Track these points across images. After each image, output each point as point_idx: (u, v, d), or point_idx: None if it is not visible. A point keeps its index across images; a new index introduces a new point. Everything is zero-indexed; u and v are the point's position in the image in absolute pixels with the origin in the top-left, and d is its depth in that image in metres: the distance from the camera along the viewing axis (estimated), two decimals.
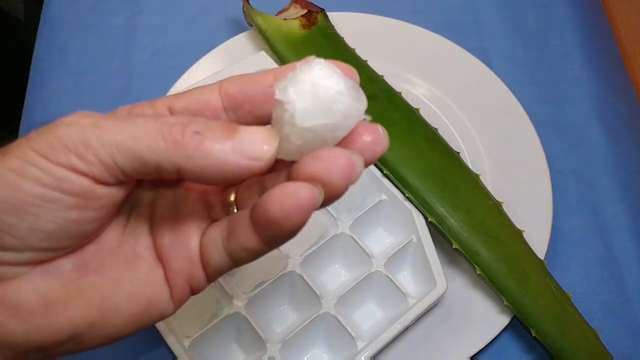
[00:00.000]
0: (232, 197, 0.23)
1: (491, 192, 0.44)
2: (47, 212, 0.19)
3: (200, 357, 0.37)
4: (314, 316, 0.38)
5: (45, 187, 0.19)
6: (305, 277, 0.39)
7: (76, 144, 0.19)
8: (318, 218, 0.42)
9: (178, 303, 0.23)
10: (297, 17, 0.52)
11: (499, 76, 0.52)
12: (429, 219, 0.41)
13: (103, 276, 0.22)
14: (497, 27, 0.58)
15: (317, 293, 0.38)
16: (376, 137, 0.21)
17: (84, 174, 0.19)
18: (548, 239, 0.44)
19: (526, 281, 0.40)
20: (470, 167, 0.45)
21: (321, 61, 0.20)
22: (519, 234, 0.42)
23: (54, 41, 0.56)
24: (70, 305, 0.21)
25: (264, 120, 0.22)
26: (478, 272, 0.40)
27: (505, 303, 0.40)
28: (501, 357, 0.42)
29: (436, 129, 0.47)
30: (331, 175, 0.19)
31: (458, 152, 0.45)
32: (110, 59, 0.55)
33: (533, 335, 0.39)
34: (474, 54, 0.54)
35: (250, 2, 0.52)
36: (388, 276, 0.40)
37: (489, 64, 0.54)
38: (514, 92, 0.51)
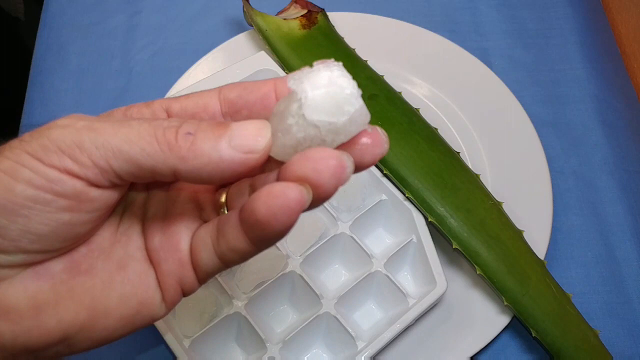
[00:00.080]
0: (223, 198, 0.23)
1: (491, 192, 0.44)
2: (39, 214, 0.19)
3: (200, 357, 0.37)
4: (314, 316, 0.38)
5: (37, 189, 0.19)
6: (305, 277, 0.39)
7: (70, 146, 0.19)
8: (318, 218, 0.42)
9: (170, 305, 0.23)
10: (297, 17, 0.52)
11: (499, 76, 0.52)
12: (429, 219, 0.41)
13: (94, 277, 0.21)
14: (497, 27, 0.58)
15: (317, 293, 0.38)
16: (376, 140, 0.21)
17: (77, 176, 0.19)
18: (548, 239, 0.44)
19: (526, 281, 0.40)
20: (470, 167, 0.45)
21: (340, 65, 0.20)
22: (519, 234, 0.42)
23: (54, 41, 0.56)
24: (61, 307, 0.21)
25: None
26: (478, 272, 0.40)
27: (505, 303, 0.40)
28: (501, 357, 0.42)
29: (436, 129, 0.47)
30: (320, 176, 0.19)
31: (458, 152, 0.45)
32: (110, 59, 0.55)
33: (533, 335, 0.39)
34: (474, 54, 0.54)
35: (250, 2, 0.52)
36: (388, 276, 0.40)
37: (489, 64, 0.54)
38: (514, 92, 0.51)
